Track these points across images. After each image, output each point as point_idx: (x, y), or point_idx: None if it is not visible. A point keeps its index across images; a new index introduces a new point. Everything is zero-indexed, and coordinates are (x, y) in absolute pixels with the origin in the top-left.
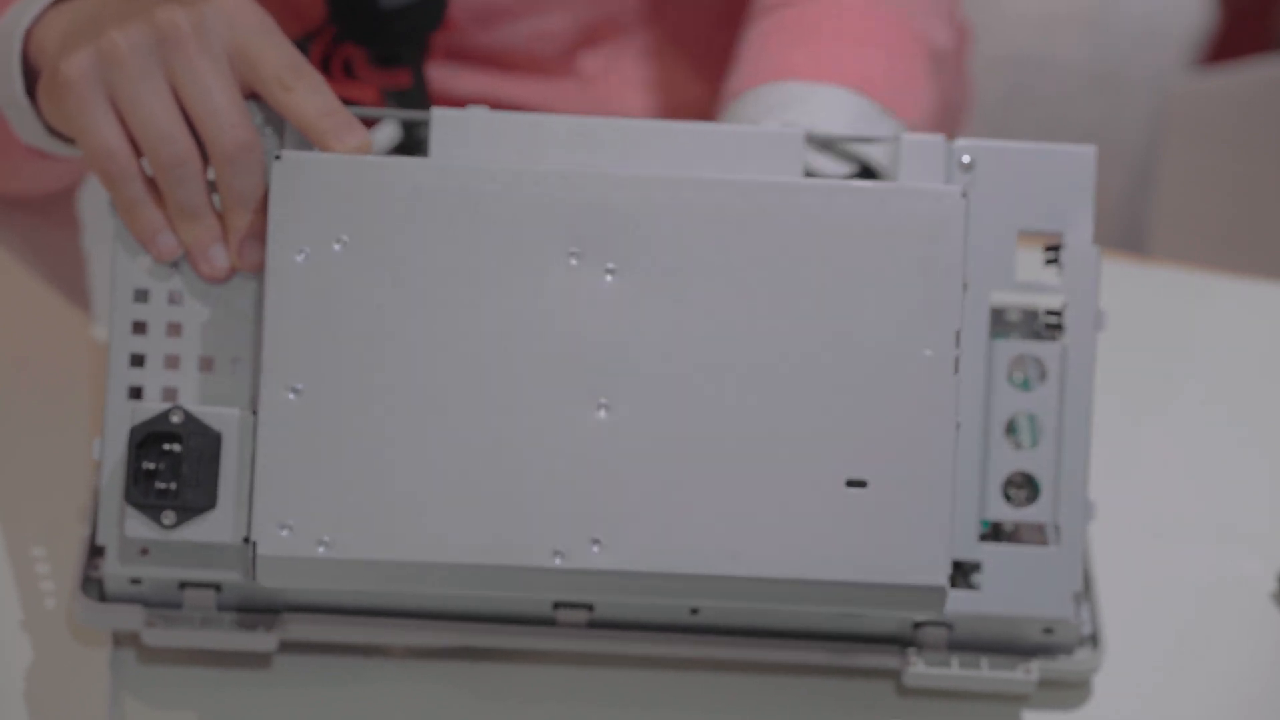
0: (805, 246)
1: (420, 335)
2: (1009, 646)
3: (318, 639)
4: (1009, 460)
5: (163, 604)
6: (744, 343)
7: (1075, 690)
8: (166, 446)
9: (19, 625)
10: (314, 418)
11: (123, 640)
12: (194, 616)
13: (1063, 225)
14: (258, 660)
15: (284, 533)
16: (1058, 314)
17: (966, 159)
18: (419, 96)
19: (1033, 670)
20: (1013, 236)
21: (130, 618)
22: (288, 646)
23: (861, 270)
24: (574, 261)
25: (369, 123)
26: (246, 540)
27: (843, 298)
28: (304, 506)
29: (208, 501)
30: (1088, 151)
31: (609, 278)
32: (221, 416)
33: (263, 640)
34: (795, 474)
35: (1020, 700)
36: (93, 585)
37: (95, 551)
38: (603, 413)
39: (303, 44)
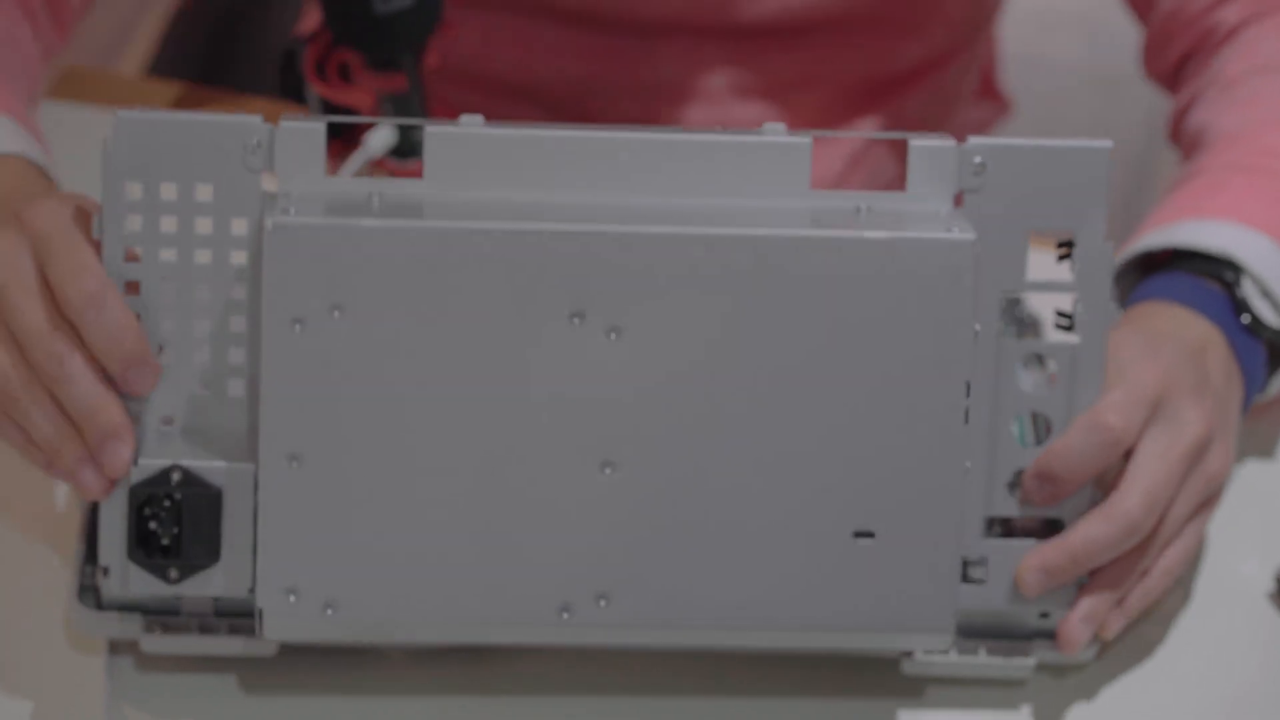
0: (812, 300)
1: (422, 400)
2: (1007, 632)
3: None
4: (1016, 457)
5: (160, 611)
6: (750, 398)
7: (1071, 677)
8: (167, 503)
9: (16, 632)
10: (316, 484)
11: (120, 646)
12: (191, 622)
13: (1076, 223)
14: (257, 664)
15: (290, 598)
16: (1069, 314)
17: (978, 160)
18: (415, 100)
19: (1030, 657)
20: (1025, 236)
21: (128, 626)
22: (287, 650)
23: (870, 322)
24: (576, 322)
25: (366, 124)
26: (252, 591)
27: (850, 349)
28: (309, 572)
29: (211, 558)
30: (1102, 148)
31: (612, 336)
32: (221, 472)
33: (261, 645)
34: (802, 527)
35: (1018, 686)
36: (89, 593)
37: (90, 559)
38: (608, 471)
39: (298, 47)
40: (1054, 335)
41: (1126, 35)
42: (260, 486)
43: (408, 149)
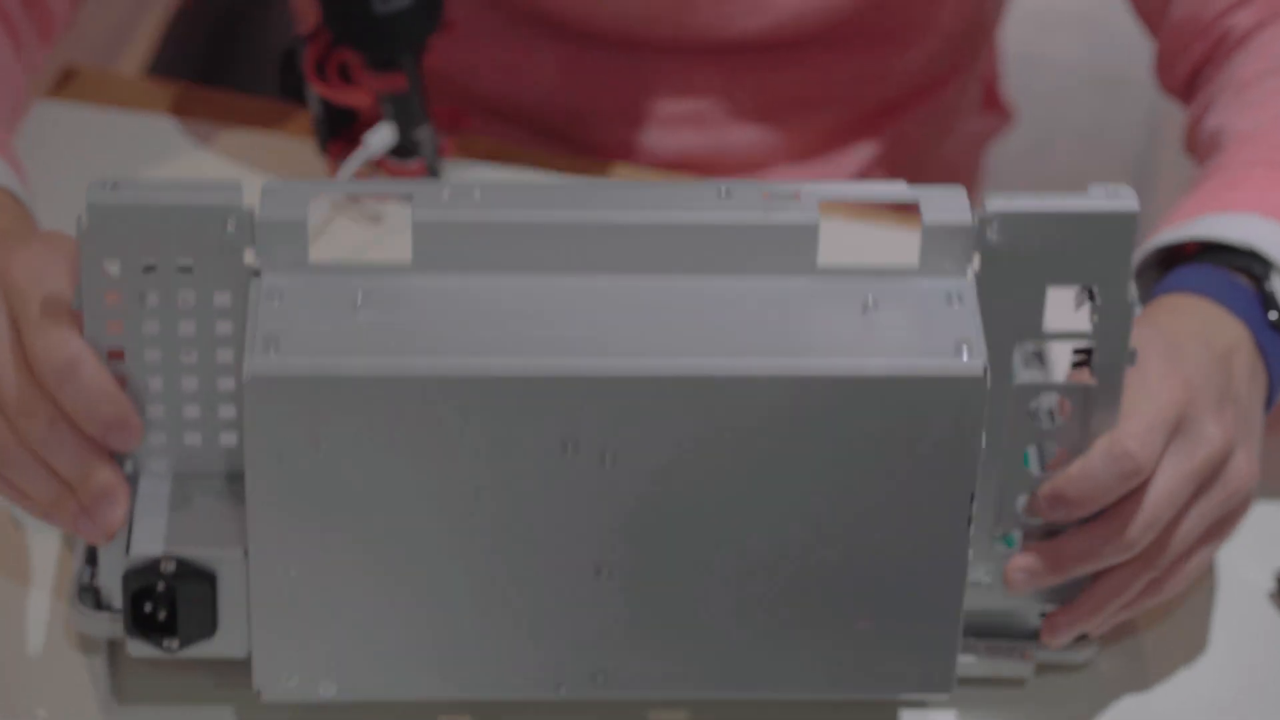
0: (813, 428)
1: (411, 520)
2: (1007, 632)
3: None
4: (1026, 482)
5: None
6: (748, 510)
7: (1071, 677)
8: (162, 586)
9: (16, 632)
10: (309, 590)
11: (120, 646)
12: None
13: (1098, 280)
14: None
15: (289, 681)
16: (1086, 352)
17: (996, 225)
18: (415, 100)
19: (1030, 657)
20: (1042, 292)
21: None
22: None
23: (872, 446)
24: (569, 449)
25: (369, 120)
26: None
27: (854, 472)
28: (304, 663)
29: (207, 632)
30: (1128, 212)
31: (606, 461)
32: (214, 558)
33: None
34: (800, 615)
35: (1018, 686)
36: (88, 593)
37: (91, 559)
38: (602, 573)
39: (298, 47)
40: (1066, 364)
41: (1126, 35)
42: (253, 593)
43: (407, 149)
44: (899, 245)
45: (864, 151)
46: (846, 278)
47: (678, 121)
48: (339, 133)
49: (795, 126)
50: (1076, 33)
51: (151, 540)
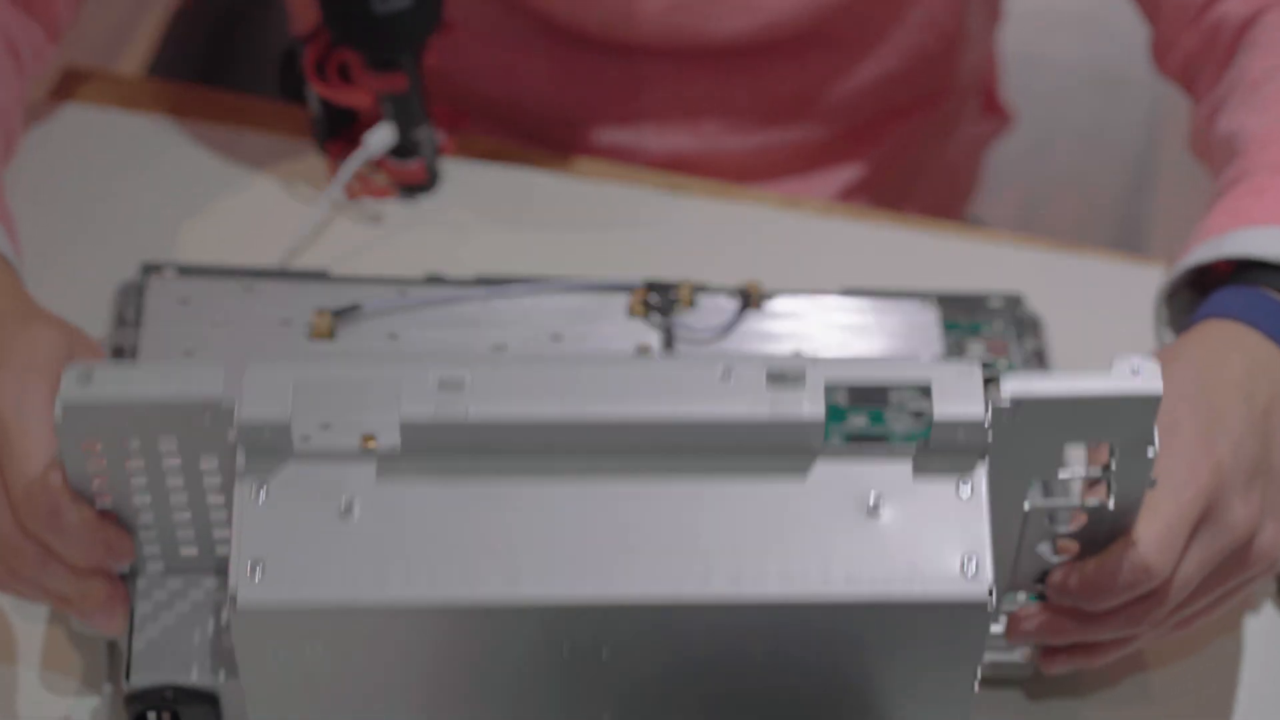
0: (815, 648)
1: (408, 706)
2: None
3: None
4: (1038, 564)
5: None
6: (745, 701)
7: (1072, 677)
8: (164, 703)
9: (16, 631)
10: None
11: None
12: None
13: (1118, 443)
14: None
15: None
16: (1106, 467)
17: (1012, 411)
18: (415, 100)
19: (1031, 658)
20: (1060, 447)
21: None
22: None
23: (873, 659)
24: (565, 653)
25: (369, 120)
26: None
27: (853, 675)
28: None
29: None
30: (1151, 396)
31: (604, 655)
32: (214, 685)
33: None
34: None
35: (1017, 686)
36: None
37: None
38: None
39: (298, 47)
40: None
41: (1126, 35)
42: (250, 713)
43: (407, 149)
44: (898, 245)
45: (861, 158)
46: (851, 464)
47: (672, 123)
48: (339, 133)
49: (791, 130)
50: (1076, 33)
51: (151, 669)
